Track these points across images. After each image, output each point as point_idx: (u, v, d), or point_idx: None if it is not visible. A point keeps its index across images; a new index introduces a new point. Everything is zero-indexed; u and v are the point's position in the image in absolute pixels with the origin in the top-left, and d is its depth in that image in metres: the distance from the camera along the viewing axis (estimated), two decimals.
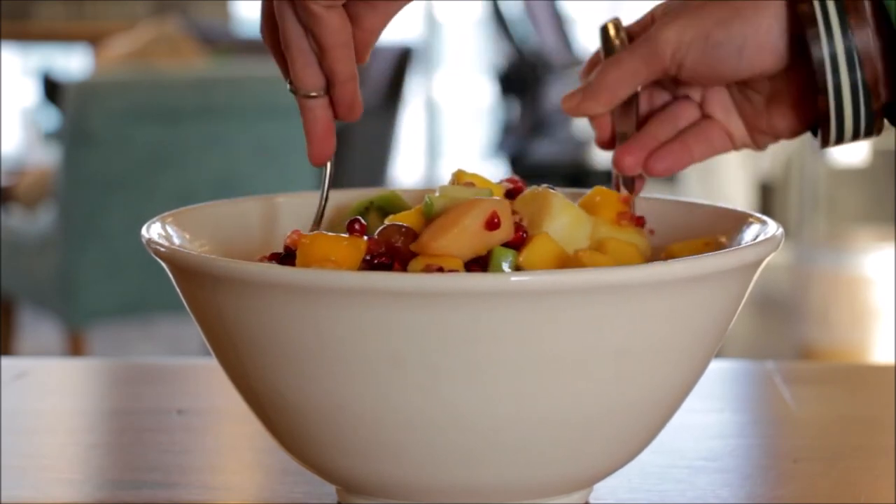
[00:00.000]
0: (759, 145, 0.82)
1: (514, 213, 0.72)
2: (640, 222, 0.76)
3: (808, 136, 0.81)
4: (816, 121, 0.79)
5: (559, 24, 5.16)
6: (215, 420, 0.93)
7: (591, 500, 0.73)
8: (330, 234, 0.70)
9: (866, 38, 0.74)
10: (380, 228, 0.70)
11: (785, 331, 4.08)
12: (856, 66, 0.75)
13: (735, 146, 0.82)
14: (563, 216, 0.72)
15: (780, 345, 4.04)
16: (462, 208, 0.68)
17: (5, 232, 3.39)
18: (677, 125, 0.81)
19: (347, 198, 0.82)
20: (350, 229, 0.72)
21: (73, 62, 5.80)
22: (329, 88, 0.74)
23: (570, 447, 0.67)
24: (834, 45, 0.75)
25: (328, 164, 0.77)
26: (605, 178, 4.57)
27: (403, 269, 0.68)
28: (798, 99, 0.79)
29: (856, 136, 0.78)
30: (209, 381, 1.02)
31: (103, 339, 3.94)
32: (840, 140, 0.78)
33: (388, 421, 0.65)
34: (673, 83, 0.82)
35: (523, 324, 0.63)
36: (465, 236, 0.68)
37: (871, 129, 0.77)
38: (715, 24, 0.76)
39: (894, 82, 0.76)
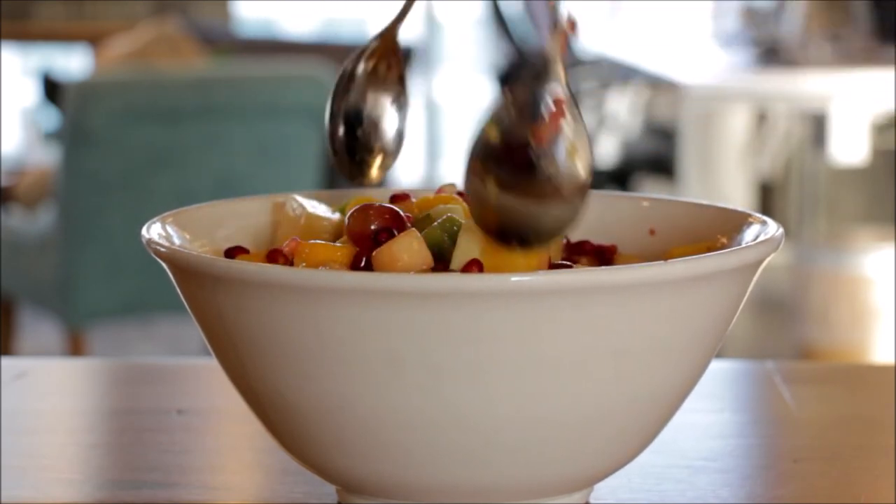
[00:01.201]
0: None
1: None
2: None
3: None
4: None
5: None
6: (215, 420, 0.93)
7: (591, 500, 0.73)
8: (328, 242, 0.71)
9: None
10: (350, 212, 0.71)
11: (785, 331, 4.07)
12: None
13: None
14: None
15: (780, 345, 4.04)
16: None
17: (5, 232, 3.39)
18: None
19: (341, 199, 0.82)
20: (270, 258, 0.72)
21: (73, 62, 5.80)
22: None
23: (570, 447, 0.67)
24: None
25: None
26: (605, 178, 4.57)
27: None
28: None
29: None
30: (209, 381, 1.02)
31: (103, 339, 3.94)
32: None
33: (388, 421, 0.65)
34: None
35: (523, 324, 0.63)
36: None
37: None
38: None
39: None
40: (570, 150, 0.64)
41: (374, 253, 0.68)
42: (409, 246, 0.68)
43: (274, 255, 0.71)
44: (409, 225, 0.71)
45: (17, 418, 0.91)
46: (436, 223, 0.71)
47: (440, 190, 0.78)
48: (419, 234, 0.69)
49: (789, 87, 3.64)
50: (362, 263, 0.69)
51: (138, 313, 3.26)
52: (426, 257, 0.68)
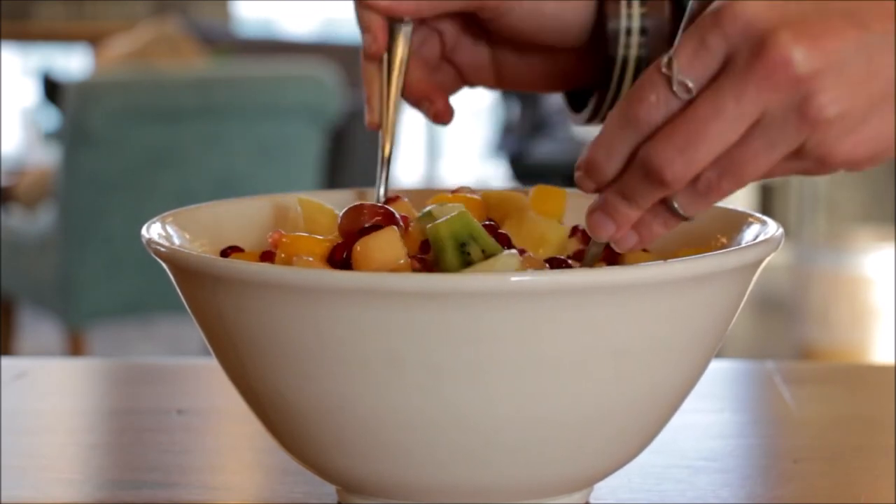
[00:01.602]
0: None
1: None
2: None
3: None
4: (588, 90, 0.84)
5: None
6: (215, 420, 0.93)
7: (591, 500, 0.73)
8: (311, 235, 0.71)
9: (660, 22, 0.81)
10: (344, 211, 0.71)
11: (785, 331, 4.08)
12: (647, 43, 0.81)
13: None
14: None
15: (780, 345, 4.04)
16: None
17: (5, 232, 3.39)
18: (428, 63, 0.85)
19: (345, 200, 0.82)
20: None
21: (73, 62, 5.81)
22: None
23: (570, 447, 0.67)
24: (631, 21, 0.81)
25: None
26: None
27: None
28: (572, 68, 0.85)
29: None
30: (209, 381, 1.02)
31: (103, 339, 3.94)
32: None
33: (388, 421, 0.65)
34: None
35: (523, 324, 0.63)
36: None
37: None
38: None
39: None
40: None
41: (354, 245, 0.68)
42: (387, 240, 0.68)
43: (268, 255, 0.72)
44: (400, 223, 0.71)
45: (17, 418, 0.91)
46: (423, 213, 0.71)
47: (457, 190, 0.78)
48: (397, 230, 0.69)
49: None
50: (343, 256, 0.69)
51: (138, 313, 3.27)
52: (400, 252, 0.68)
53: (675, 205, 0.64)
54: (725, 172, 0.62)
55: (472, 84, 0.86)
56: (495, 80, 0.86)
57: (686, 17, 0.65)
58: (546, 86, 0.87)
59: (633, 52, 0.81)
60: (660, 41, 0.81)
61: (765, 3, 0.60)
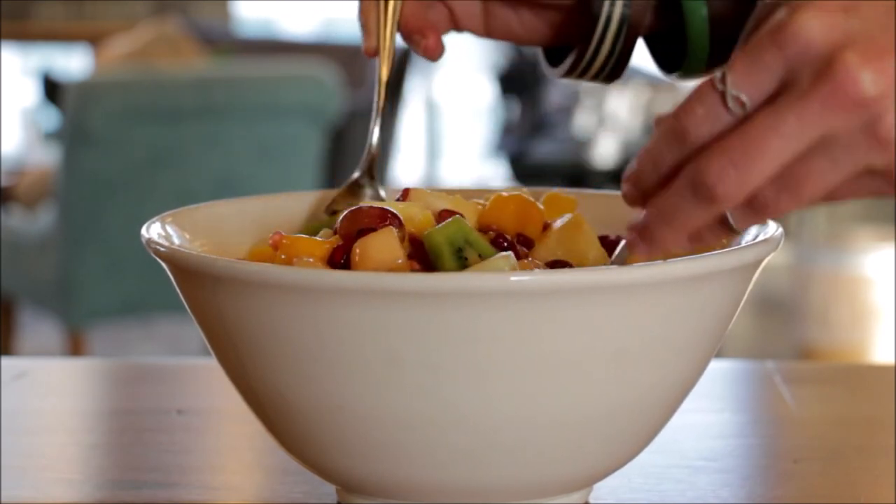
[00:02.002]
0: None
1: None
2: None
3: None
4: (569, 45, 0.84)
5: None
6: (215, 420, 0.93)
7: (591, 500, 0.73)
8: (311, 237, 0.71)
9: None
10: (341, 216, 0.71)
11: (785, 331, 4.07)
12: (629, 3, 0.81)
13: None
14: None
15: (780, 345, 4.04)
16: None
17: (5, 232, 3.39)
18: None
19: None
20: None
21: (73, 62, 5.81)
22: None
23: (570, 447, 0.67)
24: None
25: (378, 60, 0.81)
26: (604, 178, 4.56)
27: None
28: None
29: (601, 71, 0.83)
30: (209, 381, 1.02)
31: (103, 339, 3.94)
32: (586, 70, 0.83)
33: (388, 421, 0.65)
34: None
35: (523, 324, 0.63)
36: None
37: (617, 67, 0.83)
38: None
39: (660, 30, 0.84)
40: None
41: (353, 246, 0.68)
42: (385, 241, 0.68)
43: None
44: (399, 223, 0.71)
45: (17, 418, 0.91)
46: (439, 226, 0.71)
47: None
48: (394, 231, 0.69)
49: None
50: (342, 258, 0.69)
51: (138, 313, 3.27)
52: (398, 252, 0.68)
53: (730, 218, 0.61)
54: (784, 189, 0.59)
55: (460, 29, 0.87)
56: (484, 29, 0.86)
57: (751, 20, 0.63)
58: (531, 40, 0.87)
59: (618, 11, 0.81)
60: (642, 2, 0.81)
61: (825, 21, 0.58)
